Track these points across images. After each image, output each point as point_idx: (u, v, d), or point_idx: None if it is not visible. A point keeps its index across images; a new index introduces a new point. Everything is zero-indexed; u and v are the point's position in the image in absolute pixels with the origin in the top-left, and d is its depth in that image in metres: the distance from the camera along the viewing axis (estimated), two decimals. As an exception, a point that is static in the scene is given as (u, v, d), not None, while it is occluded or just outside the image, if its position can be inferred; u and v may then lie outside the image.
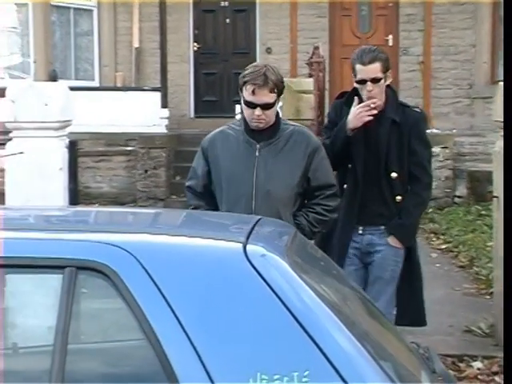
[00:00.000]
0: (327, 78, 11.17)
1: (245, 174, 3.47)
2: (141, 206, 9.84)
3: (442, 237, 8.40)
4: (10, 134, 5.61)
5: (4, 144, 5.68)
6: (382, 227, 3.91)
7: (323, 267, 2.43)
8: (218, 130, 3.69)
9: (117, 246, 1.90)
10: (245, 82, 3.46)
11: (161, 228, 2.38)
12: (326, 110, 9.36)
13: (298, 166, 3.52)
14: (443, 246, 8.04)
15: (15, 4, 11.92)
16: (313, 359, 1.75)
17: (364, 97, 3.93)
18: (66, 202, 5.67)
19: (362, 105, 3.91)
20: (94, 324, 1.89)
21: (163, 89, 11.08)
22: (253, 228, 2.19)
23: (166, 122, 11.12)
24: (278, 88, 3.50)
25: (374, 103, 3.90)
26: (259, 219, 2.39)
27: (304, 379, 1.73)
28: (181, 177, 10.53)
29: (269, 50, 12.20)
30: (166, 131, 10.99)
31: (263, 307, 1.84)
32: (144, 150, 10.25)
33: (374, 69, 3.88)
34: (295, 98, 5.79)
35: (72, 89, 6.02)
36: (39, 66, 11.43)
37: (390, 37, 12.03)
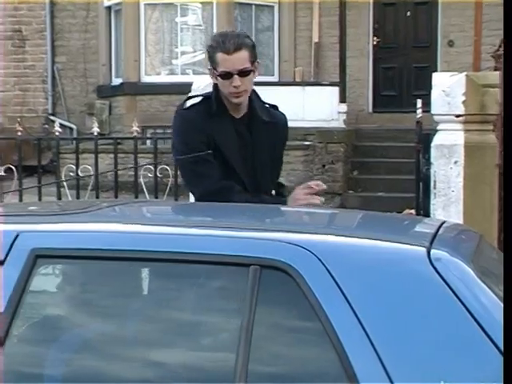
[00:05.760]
0: (513, 71, 10.73)
1: None
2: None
3: None
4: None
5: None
6: None
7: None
8: None
9: (300, 246, 1.91)
10: None
11: (342, 229, 2.38)
12: None
13: None
14: None
15: (200, 3, 12.34)
16: (501, 371, 1.69)
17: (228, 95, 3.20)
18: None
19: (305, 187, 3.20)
20: (277, 323, 1.92)
21: (342, 83, 11.07)
22: (436, 232, 2.14)
23: (343, 116, 11.11)
24: None
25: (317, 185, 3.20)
26: (443, 223, 2.33)
27: (490, 391, 1.68)
28: (358, 172, 10.50)
29: (451, 43, 11.88)
30: (343, 126, 10.98)
31: (447, 314, 1.80)
32: (322, 145, 10.30)
33: (240, 58, 3.15)
34: (480, 93, 5.58)
35: (252, 84, 6.15)
36: (221, 61, 11.76)
37: None
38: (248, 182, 3.23)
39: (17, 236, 2.03)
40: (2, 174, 7.03)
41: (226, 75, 3.13)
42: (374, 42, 12.28)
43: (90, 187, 7.19)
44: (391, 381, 1.73)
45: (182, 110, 3.29)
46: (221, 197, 3.04)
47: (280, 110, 3.41)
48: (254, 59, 3.18)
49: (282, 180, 3.54)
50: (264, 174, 3.27)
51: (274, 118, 3.32)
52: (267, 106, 3.35)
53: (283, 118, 3.37)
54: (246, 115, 3.26)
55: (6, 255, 1.99)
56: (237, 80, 3.12)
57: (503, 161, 2.12)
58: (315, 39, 12.23)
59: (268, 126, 3.27)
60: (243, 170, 3.23)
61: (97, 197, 6.98)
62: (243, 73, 3.13)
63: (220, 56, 3.14)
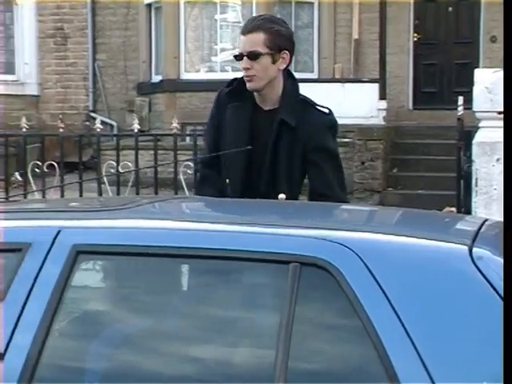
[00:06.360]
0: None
1: None
2: (357, 198, 9.86)
3: None
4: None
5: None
6: None
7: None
8: None
9: (340, 244, 1.90)
10: None
11: (382, 226, 2.37)
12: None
13: None
14: None
15: (240, 0, 12.36)
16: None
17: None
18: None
19: None
20: (316, 320, 1.92)
21: (381, 80, 11.01)
22: (478, 230, 2.12)
23: (383, 113, 11.04)
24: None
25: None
26: (485, 221, 2.30)
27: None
28: (398, 169, 10.43)
29: (493, 39, 11.72)
30: (383, 123, 10.92)
31: (489, 312, 1.77)
32: (361, 142, 10.25)
33: (253, 39, 3.00)
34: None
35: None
36: (261, 58, 11.76)
37: None
38: (240, 175, 3.08)
39: (59, 232, 2.05)
40: (45, 170, 7.12)
41: (239, 57, 3.06)
42: (415, 39, 12.17)
43: (130, 183, 7.25)
44: (432, 380, 1.71)
45: (221, 89, 3.25)
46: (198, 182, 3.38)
47: (330, 114, 3.15)
48: (275, 45, 3.00)
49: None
50: (275, 176, 3.06)
51: (303, 122, 3.06)
52: (314, 107, 3.13)
53: (318, 122, 3.08)
54: (275, 111, 3.09)
55: (48, 251, 2.01)
56: (245, 62, 3.01)
57: (504, 160, 2.10)
58: (355, 36, 12.17)
59: (287, 127, 3.05)
60: (239, 163, 3.07)
61: (137, 193, 7.04)
62: (252, 55, 3.00)
63: (240, 38, 3.11)
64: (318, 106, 3.14)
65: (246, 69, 3.03)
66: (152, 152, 7.27)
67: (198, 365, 1.92)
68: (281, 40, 3.04)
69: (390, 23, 11.36)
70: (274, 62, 3.03)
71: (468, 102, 8.34)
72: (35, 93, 13.21)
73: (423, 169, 10.06)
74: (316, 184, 3.10)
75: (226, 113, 3.13)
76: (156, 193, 7.07)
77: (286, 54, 3.07)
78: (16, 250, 2.04)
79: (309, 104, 3.12)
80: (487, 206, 4.72)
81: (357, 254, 1.87)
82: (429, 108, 11.76)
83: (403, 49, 12.10)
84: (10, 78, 13.09)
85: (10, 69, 13.16)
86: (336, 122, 3.17)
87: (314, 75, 12.26)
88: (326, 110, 3.14)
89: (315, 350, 1.87)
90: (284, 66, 3.08)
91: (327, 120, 3.13)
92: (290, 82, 3.14)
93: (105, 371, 2.00)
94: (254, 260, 1.94)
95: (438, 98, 11.98)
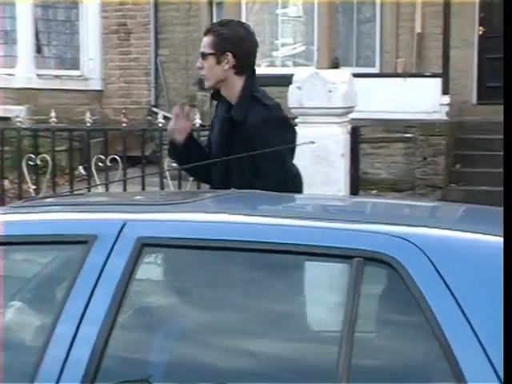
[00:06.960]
0: None
1: None
2: (419, 194, 9.75)
3: None
4: (296, 120, 5.80)
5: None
6: None
7: None
8: None
9: (403, 239, 1.88)
10: None
11: (445, 222, 2.33)
12: None
13: None
14: None
15: (303, -7, 12.34)
16: None
17: None
18: (347, 188, 5.77)
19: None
20: (380, 316, 1.90)
21: (444, 75, 10.84)
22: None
23: (446, 108, 10.88)
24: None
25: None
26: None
27: None
28: (461, 165, 10.27)
29: (561, 32, 11.45)
30: (446, 118, 10.76)
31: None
32: (423, 137, 10.12)
33: (205, 41, 3.35)
34: None
35: (353, 75, 6.11)
36: (322, 53, 11.70)
37: None
38: (216, 169, 3.30)
39: (124, 225, 2.07)
40: (108, 164, 7.22)
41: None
42: (480, 32, 11.95)
43: (191, 178, 7.29)
44: (500, 380, 1.68)
45: None
46: None
47: (273, 108, 3.28)
48: (220, 47, 3.27)
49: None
50: (228, 173, 3.24)
51: (249, 117, 3.22)
52: (260, 102, 3.26)
53: (258, 117, 3.22)
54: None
55: (114, 243, 2.04)
56: (199, 61, 3.34)
57: (504, 161, 2.06)
58: (418, 29, 12.00)
59: (237, 124, 3.23)
60: (216, 157, 3.27)
61: (198, 187, 7.08)
62: (202, 55, 3.32)
63: None
64: (265, 100, 3.27)
65: (199, 68, 3.37)
66: (213, 146, 7.30)
67: (259, 360, 1.92)
68: (225, 43, 3.29)
69: (455, 16, 11.18)
70: (218, 62, 3.29)
71: (534, 96, 8.17)
72: (99, 88, 13.40)
73: (487, 165, 9.88)
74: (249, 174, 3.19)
75: (214, 113, 3.47)
76: (217, 187, 7.09)
77: (229, 56, 3.28)
78: (82, 242, 2.07)
79: (256, 100, 3.27)
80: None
81: (421, 250, 1.85)
82: (494, 103, 11.53)
83: (468, 42, 11.90)
84: (74, 73, 13.31)
85: (74, 64, 13.38)
86: (277, 115, 3.28)
87: (376, 70, 12.14)
88: (271, 104, 3.28)
89: (378, 347, 1.85)
90: (227, 66, 3.28)
91: (265, 114, 3.23)
92: (250, 80, 3.33)
93: (168, 363, 2.02)
94: (317, 254, 1.93)
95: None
